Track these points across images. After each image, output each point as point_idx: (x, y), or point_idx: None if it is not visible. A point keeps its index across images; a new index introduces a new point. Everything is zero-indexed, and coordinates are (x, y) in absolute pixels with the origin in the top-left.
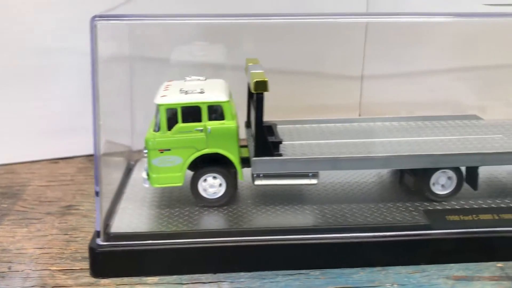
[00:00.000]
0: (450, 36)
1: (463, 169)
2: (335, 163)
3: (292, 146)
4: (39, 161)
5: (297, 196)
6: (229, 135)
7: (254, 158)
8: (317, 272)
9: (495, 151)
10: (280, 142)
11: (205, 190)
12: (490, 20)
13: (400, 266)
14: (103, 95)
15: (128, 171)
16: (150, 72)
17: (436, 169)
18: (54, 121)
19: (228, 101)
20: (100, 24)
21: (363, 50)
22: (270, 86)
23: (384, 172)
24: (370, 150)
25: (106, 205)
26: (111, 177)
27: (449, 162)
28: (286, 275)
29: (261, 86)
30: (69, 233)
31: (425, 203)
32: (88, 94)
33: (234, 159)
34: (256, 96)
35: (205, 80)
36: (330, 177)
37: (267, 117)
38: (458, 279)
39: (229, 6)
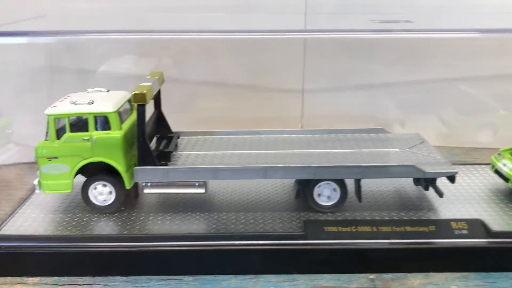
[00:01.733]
0: (386, 51)
1: (351, 181)
2: (215, 173)
3: (188, 156)
4: None
5: (192, 204)
6: (114, 144)
7: (136, 167)
8: (190, 278)
9: (372, 164)
10: (167, 152)
11: (95, 197)
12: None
13: (273, 275)
14: (25, 106)
15: None
16: (73, 84)
17: (319, 181)
18: None
19: (114, 112)
20: None
21: (303, 64)
22: (213, 99)
23: (289, 182)
24: (259, 160)
25: (7, 208)
26: (27, 182)
27: (326, 174)
28: (160, 280)
29: (139, 98)
30: None
31: (311, 214)
32: (19, 104)
33: (120, 167)
34: (137, 107)
35: (107, 91)
36: (232, 186)
37: (204, 127)
38: None
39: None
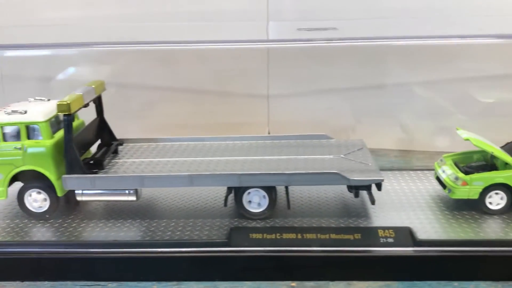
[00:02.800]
0: (349, 57)
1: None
2: (141, 181)
3: (123, 163)
4: None
5: (127, 211)
6: (44, 153)
7: (63, 176)
8: (114, 284)
9: (295, 172)
10: (101, 160)
11: (31, 204)
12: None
13: (196, 282)
14: None
15: None
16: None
17: (247, 188)
18: None
19: (44, 122)
20: None
21: (267, 71)
22: (178, 105)
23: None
24: (191, 168)
25: None
26: None
27: (251, 182)
28: (84, 285)
29: (63, 108)
30: None
31: (241, 220)
32: None
33: (51, 176)
34: (63, 116)
35: (48, 101)
36: (172, 193)
37: (168, 133)
38: None
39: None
